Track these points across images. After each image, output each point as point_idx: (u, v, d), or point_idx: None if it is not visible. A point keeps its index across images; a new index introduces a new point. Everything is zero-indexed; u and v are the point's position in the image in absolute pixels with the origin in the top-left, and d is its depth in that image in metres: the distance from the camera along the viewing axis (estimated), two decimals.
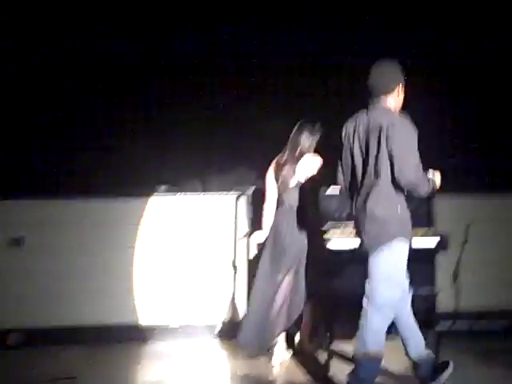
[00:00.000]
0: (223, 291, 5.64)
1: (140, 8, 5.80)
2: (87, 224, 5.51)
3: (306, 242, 4.80)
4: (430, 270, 5.33)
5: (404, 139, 3.75)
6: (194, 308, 5.61)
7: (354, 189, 4.04)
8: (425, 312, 4.88)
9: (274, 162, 5.03)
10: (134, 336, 5.47)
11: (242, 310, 5.49)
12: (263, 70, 5.88)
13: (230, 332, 5.44)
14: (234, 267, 5.63)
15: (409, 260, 3.98)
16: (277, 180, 4.96)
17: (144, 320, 5.58)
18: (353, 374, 4.05)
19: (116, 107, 5.73)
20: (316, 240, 4.71)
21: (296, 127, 4.95)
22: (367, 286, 3.98)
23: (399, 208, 3.88)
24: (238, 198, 5.71)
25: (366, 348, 3.94)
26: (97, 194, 5.53)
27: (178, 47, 5.82)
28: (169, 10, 5.83)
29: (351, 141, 4.01)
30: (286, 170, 4.91)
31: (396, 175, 3.77)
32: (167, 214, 5.65)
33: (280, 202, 4.93)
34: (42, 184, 5.52)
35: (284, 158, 4.95)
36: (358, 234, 4.03)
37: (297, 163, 4.87)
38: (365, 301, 3.98)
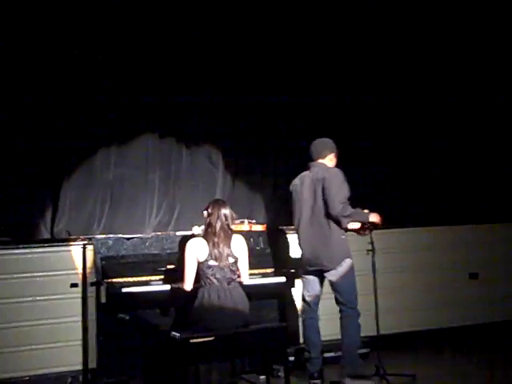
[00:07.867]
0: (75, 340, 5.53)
1: None
2: None
3: None
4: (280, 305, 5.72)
5: (335, 186, 5.13)
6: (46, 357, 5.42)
7: (303, 226, 5.25)
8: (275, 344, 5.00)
9: (199, 239, 4.93)
10: None
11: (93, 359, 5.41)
12: None
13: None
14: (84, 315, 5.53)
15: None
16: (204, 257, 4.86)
17: None
18: (350, 367, 5.09)
19: None
20: None
21: (215, 203, 5.01)
22: (338, 297, 5.14)
23: (343, 235, 5.20)
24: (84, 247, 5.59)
25: (357, 341, 5.14)
26: None
27: None
28: None
29: (298, 191, 5.33)
30: (221, 247, 4.86)
31: (329, 211, 5.10)
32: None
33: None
34: None
35: (216, 235, 4.88)
36: (312, 259, 5.20)
37: (230, 240, 4.90)
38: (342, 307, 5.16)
